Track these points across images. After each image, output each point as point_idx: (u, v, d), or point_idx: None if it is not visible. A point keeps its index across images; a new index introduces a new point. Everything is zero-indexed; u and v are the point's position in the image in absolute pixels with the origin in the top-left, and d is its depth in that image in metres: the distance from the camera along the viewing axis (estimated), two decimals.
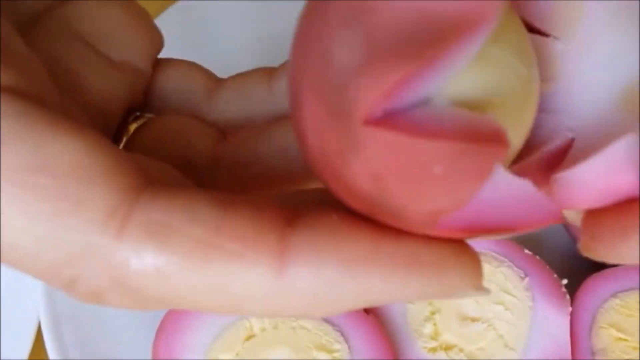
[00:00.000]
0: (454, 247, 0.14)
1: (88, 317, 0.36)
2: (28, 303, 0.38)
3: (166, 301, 0.14)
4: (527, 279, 0.36)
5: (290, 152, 0.19)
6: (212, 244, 0.13)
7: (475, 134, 0.12)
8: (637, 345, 0.36)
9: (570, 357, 0.35)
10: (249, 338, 0.34)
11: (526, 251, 0.37)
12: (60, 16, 0.18)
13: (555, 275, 0.36)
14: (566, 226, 0.39)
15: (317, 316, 0.14)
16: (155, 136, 0.19)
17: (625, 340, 0.36)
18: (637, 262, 0.14)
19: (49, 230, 0.13)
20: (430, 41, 0.12)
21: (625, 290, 0.37)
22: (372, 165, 0.13)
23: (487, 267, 0.37)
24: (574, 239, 0.39)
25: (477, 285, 0.14)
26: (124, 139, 0.20)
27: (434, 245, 0.14)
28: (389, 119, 0.12)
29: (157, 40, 0.20)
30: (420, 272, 0.13)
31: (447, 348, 0.36)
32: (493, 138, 0.12)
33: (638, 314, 0.36)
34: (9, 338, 0.38)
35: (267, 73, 0.20)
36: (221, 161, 0.19)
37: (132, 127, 0.20)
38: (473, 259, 0.14)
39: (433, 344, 0.36)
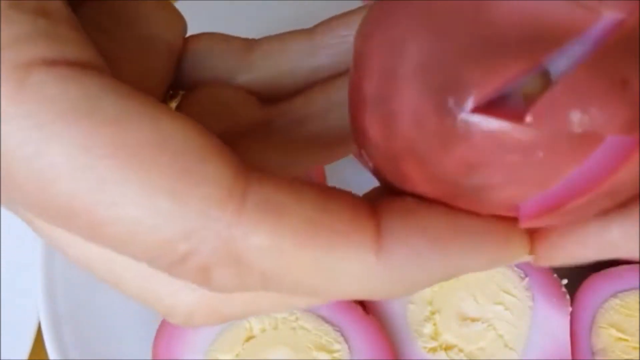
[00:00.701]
0: (509, 219, 0.15)
1: (88, 317, 0.36)
2: (28, 303, 0.37)
3: (273, 278, 0.14)
4: (527, 279, 0.36)
5: (334, 113, 0.19)
6: (321, 223, 0.14)
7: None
8: (637, 346, 0.36)
9: (570, 357, 0.35)
10: (248, 339, 0.34)
11: None
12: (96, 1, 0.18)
13: (555, 275, 0.36)
14: None
15: (404, 294, 0.15)
16: (200, 110, 0.20)
17: (625, 340, 0.36)
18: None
19: (171, 204, 0.13)
20: (542, 43, 0.13)
21: (625, 290, 0.37)
22: (475, 150, 0.14)
23: None
24: None
25: (529, 250, 0.15)
26: None
27: (497, 218, 0.15)
28: (492, 109, 0.13)
29: (182, 19, 0.20)
30: (492, 242, 0.15)
31: (447, 348, 0.36)
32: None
33: (638, 314, 0.36)
34: (9, 338, 0.37)
35: (306, 31, 0.20)
36: (268, 126, 0.20)
37: (172, 104, 0.20)
38: (521, 228, 0.15)
39: (433, 344, 0.36)
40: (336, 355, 0.34)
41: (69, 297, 0.36)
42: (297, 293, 0.15)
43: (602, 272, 0.37)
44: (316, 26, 0.20)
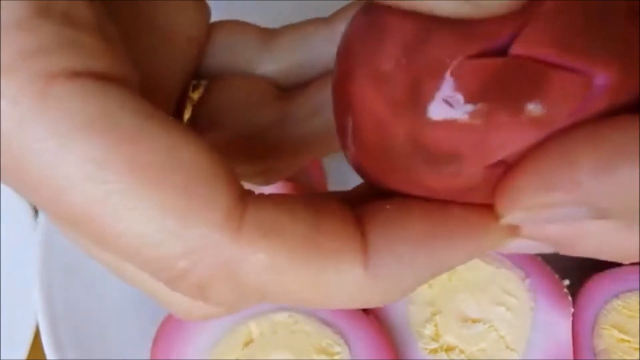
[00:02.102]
0: (484, 207, 0.16)
1: (86, 318, 0.36)
2: (26, 304, 0.37)
3: (269, 294, 0.15)
4: (528, 280, 0.36)
5: None
6: (316, 241, 0.15)
7: None
8: (639, 346, 0.36)
9: (571, 359, 0.35)
10: (247, 343, 0.34)
11: None
12: None
13: (556, 276, 0.36)
14: None
15: (397, 298, 0.16)
16: (224, 104, 0.20)
17: (627, 341, 0.36)
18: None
19: (177, 224, 0.14)
20: None
21: (627, 291, 0.37)
22: None
23: (488, 268, 0.36)
24: None
25: (508, 233, 0.16)
26: (189, 107, 0.21)
27: (473, 209, 0.16)
28: None
29: (206, 8, 0.21)
30: (472, 233, 0.16)
31: (448, 349, 0.36)
32: None
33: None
34: (7, 339, 0.37)
35: (323, 20, 0.21)
36: (285, 119, 0.20)
37: (195, 95, 0.21)
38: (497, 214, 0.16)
39: (434, 345, 0.36)
40: (336, 357, 0.34)
41: (67, 298, 0.36)
42: (294, 304, 0.16)
43: (604, 272, 0.37)
44: (334, 15, 0.21)
